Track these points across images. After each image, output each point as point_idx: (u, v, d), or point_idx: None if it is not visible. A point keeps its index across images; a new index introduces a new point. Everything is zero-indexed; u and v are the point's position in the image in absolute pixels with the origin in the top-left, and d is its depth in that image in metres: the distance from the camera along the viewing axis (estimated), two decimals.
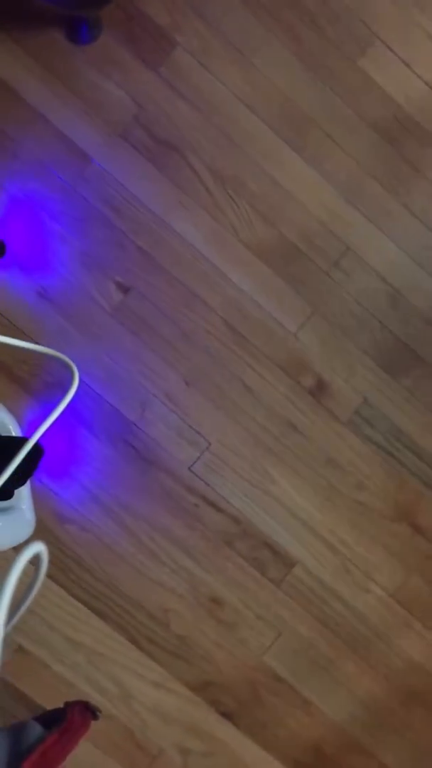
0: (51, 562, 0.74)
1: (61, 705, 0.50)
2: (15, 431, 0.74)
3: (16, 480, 0.62)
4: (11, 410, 0.76)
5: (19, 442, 0.60)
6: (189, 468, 0.82)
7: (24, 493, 0.73)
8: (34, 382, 0.79)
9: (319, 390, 0.82)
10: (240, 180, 0.80)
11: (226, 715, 0.83)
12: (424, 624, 0.84)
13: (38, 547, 0.31)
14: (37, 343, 0.72)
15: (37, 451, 0.62)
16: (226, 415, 0.82)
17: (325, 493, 0.82)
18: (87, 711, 0.59)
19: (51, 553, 0.73)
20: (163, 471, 0.80)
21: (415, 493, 0.84)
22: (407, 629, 0.84)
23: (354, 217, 0.82)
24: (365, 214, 0.82)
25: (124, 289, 0.80)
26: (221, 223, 0.80)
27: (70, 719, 0.49)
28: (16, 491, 0.69)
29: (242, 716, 0.84)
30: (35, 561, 0.38)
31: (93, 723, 0.76)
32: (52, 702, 0.80)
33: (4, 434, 0.72)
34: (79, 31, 0.74)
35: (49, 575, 0.80)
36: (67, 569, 0.80)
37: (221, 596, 0.82)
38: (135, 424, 0.80)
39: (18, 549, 0.64)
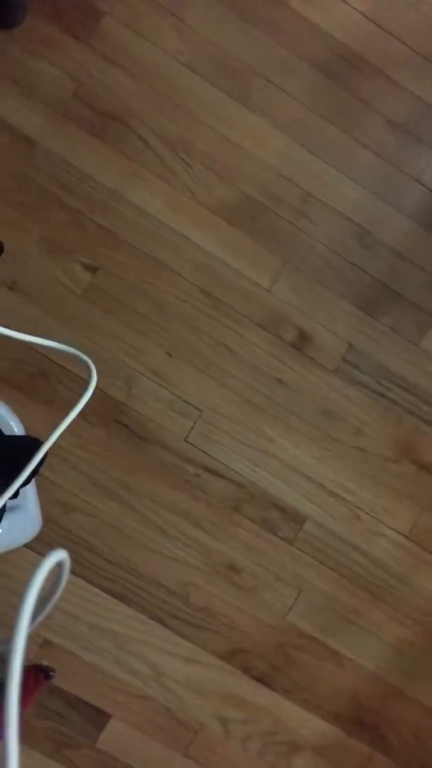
0: None
1: (96, 693, 0.52)
2: (18, 429, 0.76)
3: (23, 480, 0.64)
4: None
5: (28, 441, 0.62)
6: (185, 439, 0.84)
7: (30, 491, 0.75)
8: (17, 377, 0.81)
9: (302, 341, 0.84)
10: (189, 141, 0.81)
11: (260, 679, 0.86)
12: None
13: (60, 556, 0.32)
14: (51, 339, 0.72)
15: (38, 447, 0.64)
16: (214, 381, 0.84)
17: (323, 444, 0.85)
18: (39, 673, 0.62)
19: (61, 544, 0.75)
20: (159, 446, 0.83)
21: (413, 430, 0.86)
22: (427, 567, 0.86)
23: (310, 160, 0.83)
24: (320, 156, 0.84)
25: (92, 269, 0.82)
26: (177, 187, 0.82)
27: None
28: (21, 490, 0.71)
29: (276, 678, 0.87)
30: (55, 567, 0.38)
31: (132, 706, 0.80)
32: (87, 691, 0.83)
33: (8, 433, 0.74)
34: (3, 15, 0.76)
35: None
36: (80, 557, 0.82)
37: (236, 562, 0.84)
38: (124, 404, 0.82)
39: (31, 550, 0.67)
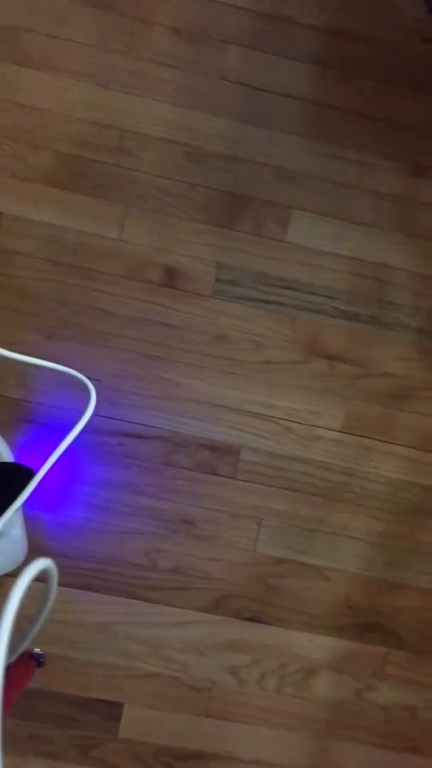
0: None
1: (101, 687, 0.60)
2: (7, 455, 0.85)
3: (7, 506, 0.73)
4: None
5: (16, 469, 0.71)
6: (96, 414, 0.92)
7: (15, 517, 0.84)
8: None
9: (172, 278, 0.93)
10: None
11: (253, 618, 0.96)
12: (384, 440, 0.95)
13: (44, 563, 0.35)
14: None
15: (29, 475, 0.74)
16: (101, 347, 0.93)
17: (228, 370, 0.94)
18: (31, 659, 0.71)
19: None
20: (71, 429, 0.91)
21: (310, 325, 0.94)
22: (372, 452, 0.95)
23: (113, 98, 0.92)
24: (121, 90, 0.92)
25: None
26: None
27: (11, 671, 0.61)
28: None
29: (267, 612, 0.96)
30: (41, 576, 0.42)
31: (140, 688, 0.90)
32: (91, 688, 0.93)
33: None
34: None
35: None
36: None
37: (189, 515, 0.94)
38: (21, 400, 0.91)
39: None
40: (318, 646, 0.99)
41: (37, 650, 0.77)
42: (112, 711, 0.97)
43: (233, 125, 0.96)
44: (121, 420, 0.97)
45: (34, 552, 0.93)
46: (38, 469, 0.74)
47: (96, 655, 0.98)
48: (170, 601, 0.98)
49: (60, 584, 0.96)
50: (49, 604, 0.47)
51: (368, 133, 0.98)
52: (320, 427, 0.99)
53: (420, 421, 1.00)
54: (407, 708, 1.00)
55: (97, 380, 0.96)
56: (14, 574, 0.90)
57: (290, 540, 0.99)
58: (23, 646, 0.53)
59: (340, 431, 1.00)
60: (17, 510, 0.82)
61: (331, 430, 0.99)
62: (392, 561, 1.00)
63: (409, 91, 0.99)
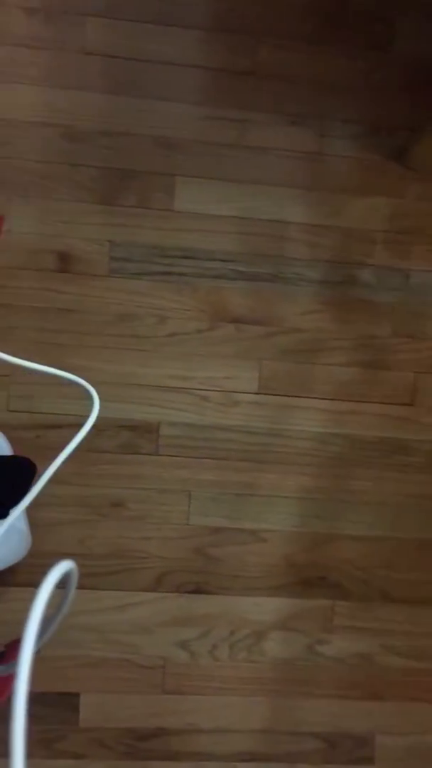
0: None
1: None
2: (7, 449, 0.91)
3: (14, 500, 0.79)
4: None
5: (18, 462, 0.77)
6: (8, 409, 0.98)
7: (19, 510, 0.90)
8: None
9: (66, 263, 0.98)
10: None
11: (196, 591, 1.02)
12: (302, 395, 1.04)
13: (67, 566, 0.38)
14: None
15: (31, 468, 0.79)
16: (5, 342, 0.97)
17: (135, 348, 1.00)
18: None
19: None
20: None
21: (211, 292, 1.00)
22: (290, 409, 1.01)
23: None
24: None
25: None
26: None
27: (7, 655, 0.66)
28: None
29: (209, 582, 1.02)
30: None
31: (93, 675, 0.96)
32: (46, 683, 1.01)
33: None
34: None
35: None
36: None
37: (117, 497, 1.00)
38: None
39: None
40: (264, 608, 1.06)
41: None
42: (69, 702, 1.04)
43: (105, 99, 1.01)
44: (35, 412, 1.02)
45: None
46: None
47: (45, 649, 1.03)
48: (111, 586, 1.04)
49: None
50: (67, 606, 0.52)
51: (241, 90, 1.04)
52: (237, 392, 1.05)
53: (334, 372, 1.07)
54: (361, 656, 1.08)
55: (5, 375, 1.01)
56: (16, 568, 0.97)
57: (222, 508, 1.05)
58: (40, 648, 0.57)
59: (257, 393, 1.06)
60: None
61: (248, 393, 1.05)
62: (326, 514, 1.07)
63: (277, 41, 1.04)
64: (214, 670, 1.06)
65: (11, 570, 1.01)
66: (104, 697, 1.06)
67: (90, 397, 0.72)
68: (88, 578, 1.05)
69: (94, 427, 1.05)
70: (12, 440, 1.00)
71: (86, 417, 1.02)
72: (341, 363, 1.09)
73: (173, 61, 1.04)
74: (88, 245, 1.04)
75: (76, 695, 1.05)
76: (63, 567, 0.37)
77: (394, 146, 1.09)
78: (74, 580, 0.46)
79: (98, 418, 1.05)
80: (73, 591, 0.49)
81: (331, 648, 1.08)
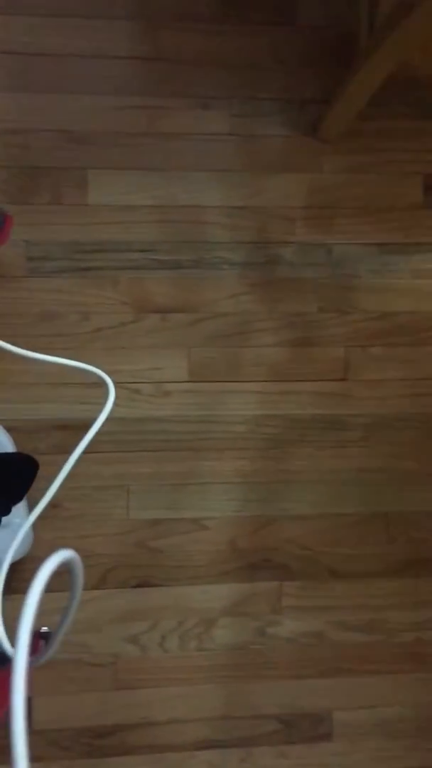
0: None
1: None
2: (10, 446, 0.96)
3: (16, 496, 0.84)
4: None
5: (20, 458, 0.83)
6: None
7: (21, 507, 0.97)
8: None
9: None
10: None
11: (141, 585, 1.08)
12: (233, 380, 1.08)
13: (67, 554, 0.39)
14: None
15: (33, 465, 0.84)
16: None
17: (60, 346, 1.07)
18: (38, 638, 0.81)
19: None
20: None
21: (132, 283, 1.05)
22: (222, 394, 1.06)
23: None
24: None
25: None
26: None
27: None
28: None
29: (154, 575, 1.08)
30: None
31: (44, 677, 1.00)
32: None
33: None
34: None
35: None
36: None
37: (54, 498, 1.02)
38: None
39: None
40: (211, 596, 1.11)
41: (44, 629, 0.87)
42: None
43: (7, 97, 1.05)
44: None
45: None
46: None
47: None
48: (56, 587, 1.08)
49: None
50: (77, 597, 0.54)
51: (146, 77, 1.08)
52: (167, 382, 1.10)
53: (263, 354, 1.12)
54: (313, 634, 1.14)
55: None
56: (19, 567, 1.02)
57: (161, 500, 1.10)
58: (57, 641, 0.61)
59: (188, 381, 1.11)
60: (24, 500, 0.93)
61: (179, 382, 1.10)
62: (266, 496, 1.12)
63: (178, 24, 1.08)
64: (166, 661, 1.12)
65: None
66: (58, 699, 1.11)
67: (105, 385, 0.86)
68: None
69: (25, 432, 1.10)
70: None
71: (17, 421, 1.06)
72: (271, 344, 1.14)
73: (74, 53, 1.08)
74: (4, 247, 1.07)
75: (28, 699, 1.09)
76: (62, 555, 0.39)
77: (306, 121, 1.14)
78: (79, 572, 0.47)
79: (29, 421, 1.10)
80: (80, 583, 0.50)
81: (282, 629, 1.14)
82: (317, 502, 1.15)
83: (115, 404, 1.10)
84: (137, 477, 1.12)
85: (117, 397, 1.10)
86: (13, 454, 1.01)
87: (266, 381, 1.14)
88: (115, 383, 1.10)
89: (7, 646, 0.78)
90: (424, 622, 1.17)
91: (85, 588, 1.11)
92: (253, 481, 1.14)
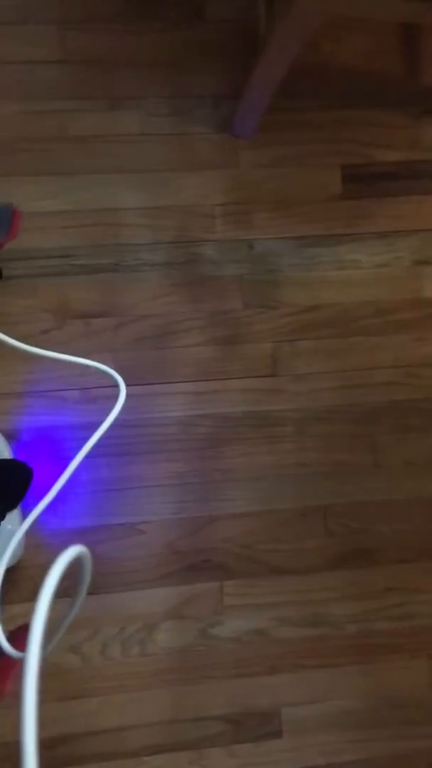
0: None
1: None
2: (6, 452, 0.98)
3: (11, 503, 0.86)
4: None
5: (15, 465, 0.85)
6: None
7: (14, 513, 1.00)
8: None
9: None
10: None
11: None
12: (162, 381, 1.13)
13: (78, 550, 0.43)
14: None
15: (28, 473, 0.86)
16: None
17: None
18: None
19: None
20: None
21: (53, 290, 1.10)
22: (154, 398, 1.09)
23: None
24: None
25: None
26: None
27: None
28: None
29: (92, 583, 1.09)
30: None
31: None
32: None
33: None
34: None
35: None
36: None
37: None
38: None
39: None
40: (152, 600, 1.15)
41: None
42: None
43: None
44: None
45: None
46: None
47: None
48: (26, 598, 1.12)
49: None
50: (83, 593, 0.58)
51: (55, 81, 1.12)
52: (94, 388, 1.13)
53: (190, 353, 1.16)
54: (256, 632, 1.18)
55: None
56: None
57: (96, 506, 1.14)
58: (57, 637, 0.64)
59: (114, 386, 1.13)
60: (18, 507, 0.95)
61: (105, 387, 1.13)
62: (202, 496, 1.17)
63: (84, 26, 1.11)
64: (109, 669, 1.16)
65: None
66: (6, 712, 1.13)
67: (118, 389, 0.88)
68: None
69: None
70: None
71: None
72: (198, 343, 1.17)
73: None
74: None
75: None
76: (75, 550, 0.42)
77: (221, 117, 1.18)
78: (88, 568, 0.50)
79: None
80: (87, 578, 0.53)
81: (225, 629, 1.18)
82: (254, 500, 1.20)
83: (42, 414, 1.13)
84: (71, 484, 1.15)
85: (42, 408, 1.14)
86: (8, 460, 1.03)
87: (195, 381, 1.18)
88: (40, 392, 1.13)
89: (6, 645, 0.80)
90: (367, 612, 1.22)
91: (20, 600, 1.14)
92: (189, 482, 1.18)
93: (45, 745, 1.14)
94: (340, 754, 1.21)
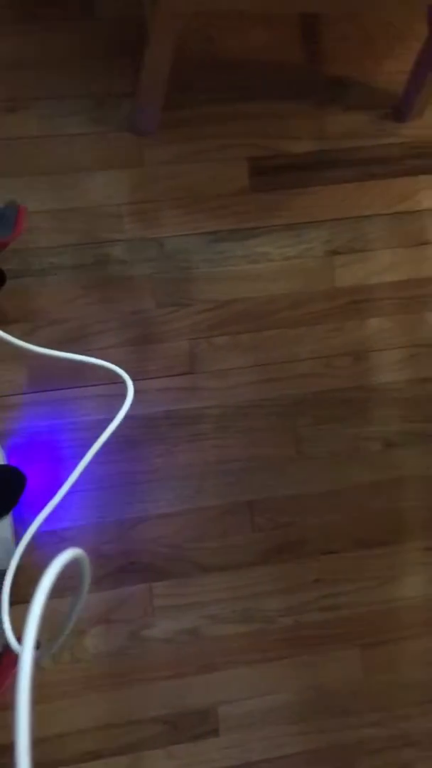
0: None
1: None
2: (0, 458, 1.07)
3: (4, 509, 0.88)
4: None
5: (7, 471, 0.87)
6: None
7: (6, 520, 1.02)
8: None
9: None
10: None
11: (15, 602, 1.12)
12: (77, 385, 1.16)
13: (76, 552, 0.43)
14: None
15: (21, 479, 0.88)
16: None
17: None
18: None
19: None
20: None
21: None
22: (70, 402, 1.12)
23: None
24: None
25: None
26: None
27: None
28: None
29: (18, 593, 1.13)
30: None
31: None
32: None
33: None
34: None
35: None
36: None
37: None
38: None
39: None
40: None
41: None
42: None
43: None
44: None
45: None
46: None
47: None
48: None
49: None
50: (83, 596, 0.60)
51: None
52: (5, 396, 1.15)
53: (105, 355, 1.18)
54: (188, 631, 1.22)
55: None
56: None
57: (14, 516, 1.16)
58: (60, 640, 0.66)
59: (26, 393, 1.16)
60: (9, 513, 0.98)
61: (17, 395, 1.16)
62: (126, 499, 1.21)
63: None
64: (41, 678, 1.18)
65: None
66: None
67: (125, 388, 0.91)
68: None
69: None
70: None
71: None
72: (113, 345, 1.21)
73: None
74: None
75: None
76: (72, 553, 0.42)
77: (121, 115, 1.21)
78: (87, 570, 0.50)
79: None
80: (87, 582, 0.53)
81: (157, 630, 1.22)
82: (178, 499, 1.23)
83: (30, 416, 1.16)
84: None
85: (29, 409, 1.16)
86: (1, 466, 1.05)
87: (111, 383, 1.21)
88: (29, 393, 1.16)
89: (14, 643, 0.82)
90: (300, 605, 1.26)
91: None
92: (111, 486, 1.22)
93: None
94: (280, 748, 1.25)
